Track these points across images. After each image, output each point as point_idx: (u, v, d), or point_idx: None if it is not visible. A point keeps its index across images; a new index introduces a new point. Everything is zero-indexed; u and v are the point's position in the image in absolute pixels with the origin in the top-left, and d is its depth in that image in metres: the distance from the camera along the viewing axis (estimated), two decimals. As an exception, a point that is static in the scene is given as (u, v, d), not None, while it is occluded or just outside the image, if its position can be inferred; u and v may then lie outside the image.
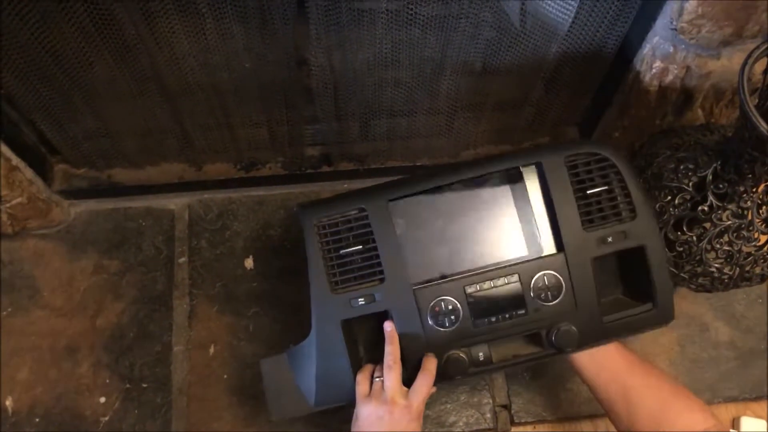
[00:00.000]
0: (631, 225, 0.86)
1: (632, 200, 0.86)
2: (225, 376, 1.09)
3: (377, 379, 0.83)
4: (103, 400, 1.07)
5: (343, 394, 0.88)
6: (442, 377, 0.86)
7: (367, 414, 0.81)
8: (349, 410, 1.05)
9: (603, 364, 0.87)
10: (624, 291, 0.91)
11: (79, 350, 1.10)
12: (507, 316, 0.86)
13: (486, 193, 0.89)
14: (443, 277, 0.86)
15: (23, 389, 1.07)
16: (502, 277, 0.86)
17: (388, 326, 0.85)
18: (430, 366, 0.84)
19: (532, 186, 0.88)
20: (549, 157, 0.86)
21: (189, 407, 1.07)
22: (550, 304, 0.86)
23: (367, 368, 0.86)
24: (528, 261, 0.86)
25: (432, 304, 0.85)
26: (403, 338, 0.85)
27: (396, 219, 0.87)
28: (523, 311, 0.86)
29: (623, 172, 0.86)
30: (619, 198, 0.86)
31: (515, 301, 0.86)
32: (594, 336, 0.87)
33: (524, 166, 0.87)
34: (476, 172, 0.88)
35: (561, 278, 0.85)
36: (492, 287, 0.86)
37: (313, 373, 0.87)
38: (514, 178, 0.88)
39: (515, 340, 0.89)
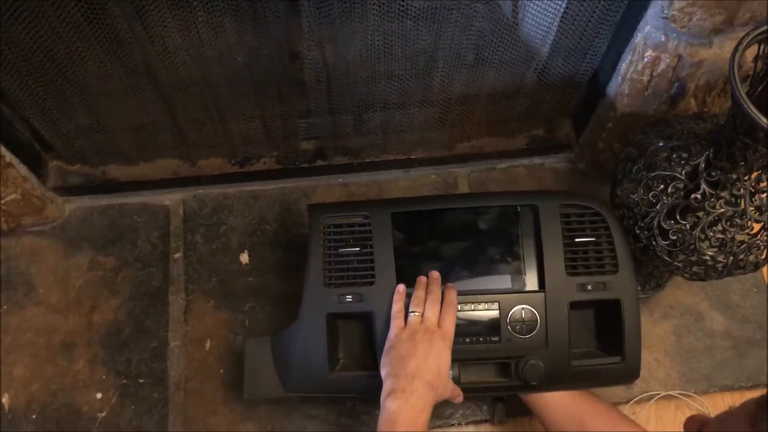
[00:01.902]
0: (612, 278, 0.91)
1: (616, 255, 0.92)
2: (221, 371, 1.09)
3: (413, 314, 0.87)
4: (99, 396, 1.07)
5: (315, 385, 0.92)
6: None
7: (406, 339, 0.85)
8: (350, 407, 1.06)
9: (552, 395, 0.93)
10: (598, 346, 0.96)
11: (76, 346, 1.10)
12: (481, 340, 0.91)
13: (482, 223, 0.95)
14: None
15: (20, 386, 1.08)
16: (483, 303, 0.91)
17: (435, 273, 0.91)
18: (451, 297, 0.89)
19: (526, 225, 0.94)
20: (545, 202, 0.93)
21: (186, 402, 1.07)
22: (523, 337, 0.90)
23: (401, 306, 0.89)
24: (510, 293, 0.91)
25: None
26: (380, 341, 0.88)
27: (396, 231, 0.93)
28: (497, 339, 0.91)
29: (612, 229, 0.92)
30: (604, 251, 0.92)
31: (491, 328, 0.91)
32: (560, 376, 0.91)
33: (521, 206, 0.94)
34: (476, 204, 0.96)
35: (537, 315, 0.90)
36: (472, 310, 0.91)
37: (291, 360, 0.92)
38: (511, 215, 0.94)
39: (485, 367, 0.93)
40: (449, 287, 0.90)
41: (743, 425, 0.61)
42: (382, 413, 0.80)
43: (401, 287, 0.89)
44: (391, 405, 0.79)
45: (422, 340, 0.84)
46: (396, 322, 0.87)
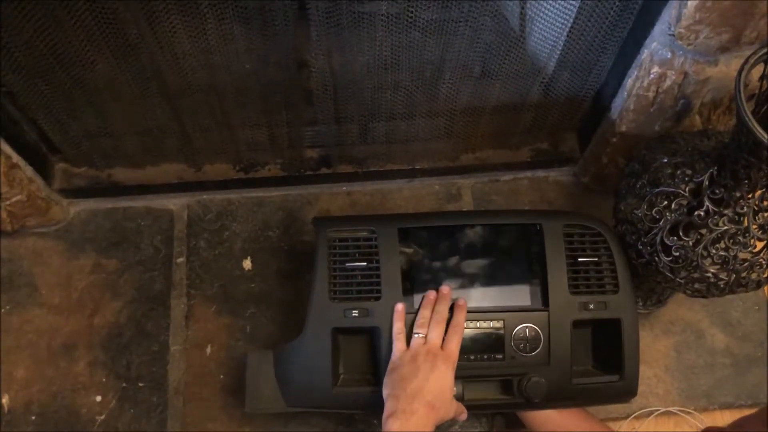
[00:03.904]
0: (612, 298, 0.93)
1: (617, 276, 0.93)
2: (221, 377, 1.09)
3: (416, 335, 0.87)
4: (99, 398, 1.07)
5: (318, 400, 0.92)
6: None
7: (408, 361, 0.85)
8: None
9: (546, 411, 0.95)
10: (594, 365, 0.96)
11: (76, 348, 1.10)
12: (485, 357, 0.91)
13: (487, 241, 0.96)
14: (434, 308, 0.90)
15: (20, 387, 1.08)
16: (488, 320, 0.91)
17: (445, 289, 0.91)
18: (459, 318, 0.89)
19: (530, 244, 0.95)
20: (549, 221, 0.94)
21: (185, 407, 1.07)
22: (527, 355, 0.91)
23: (401, 326, 0.89)
24: (514, 311, 0.92)
25: None
26: (385, 357, 0.89)
27: (402, 247, 0.93)
28: (500, 356, 0.91)
29: (613, 249, 0.94)
30: (605, 271, 0.94)
31: (495, 345, 0.91)
32: (561, 394, 0.92)
33: (526, 225, 0.95)
34: (482, 221, 0.96)
35: (541, 333, 0.91)
36: (477, 327, 0.91)
37: (294, 373, 0.91)
38: (516, 234, 0.96)
39: (488, 385, 0.93)
40: (458, 307, 0.90)
41: (761, 427, 0.61)
42: None
43: (400, 306, 0.89)
44: (391, 426, 0.79)
45: (424, 361, 0.84)
46: (398, 344, 0.87)
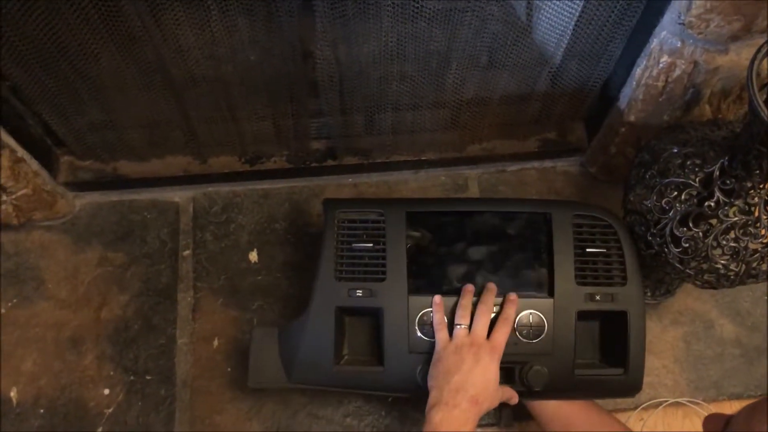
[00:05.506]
0: (620, 290, 0.92)
1: (626, 268, 0.93)
2: (228, 369, 1.09)
3: (459, 327, 0.87)
4: (107, 392, 1.08)
5: (320, 377, 0.92)
6: (415, 388, 0.89)
7: (452, 352, 0.85)
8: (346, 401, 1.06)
9: (556, 403, 0.94)
10: (601, 358, 0.96)
11: (84, 342, 1.10)
12: None
13: (495, 228, 0.96)
14: (439, 291, 0.91)
15: (28, 380, 1.08)
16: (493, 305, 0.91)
17: (491, 286, 0.90)
18: (509, 311, 0.89)
19: (538, 232, 0.94)
20: (558, 211, 0.94)
21: (192, 400, 1.08)
22: (529, 342, 0.90)
23: (442, 316, 0.89)
24: (519, 297, 0.91)
25: (422, 313, 0.90)
26: (388, 337, 0.90)
27: (410, 231, 0.94)
28: None
29: (623, 241, 0.93)
30: (613, 263, 0.93)
31: None
32: (563, 384, 0.91)
33: (534, 213, 0.95)
34: (491, 208, 0.97)
35: (545, 320, 0.91)
36: None
37: (297, 350, 0.92)
38: (524, 222, 0.95)
39: None
40: (510, 301, 0.90)
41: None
42: (425, 424, 0.81)
43: (438, 298, 0.89)
44: (434, 417, 0.80)
45: (468, 353, 0.84)
46: (440, 335, 0.87)
